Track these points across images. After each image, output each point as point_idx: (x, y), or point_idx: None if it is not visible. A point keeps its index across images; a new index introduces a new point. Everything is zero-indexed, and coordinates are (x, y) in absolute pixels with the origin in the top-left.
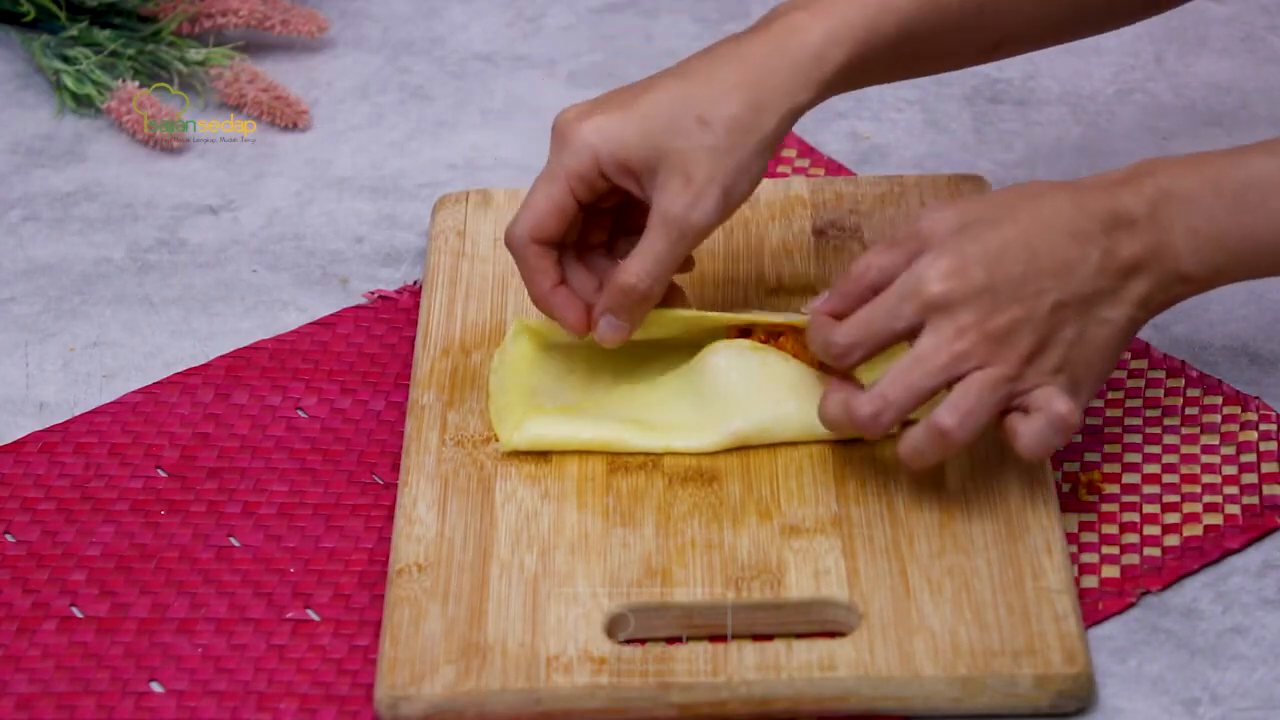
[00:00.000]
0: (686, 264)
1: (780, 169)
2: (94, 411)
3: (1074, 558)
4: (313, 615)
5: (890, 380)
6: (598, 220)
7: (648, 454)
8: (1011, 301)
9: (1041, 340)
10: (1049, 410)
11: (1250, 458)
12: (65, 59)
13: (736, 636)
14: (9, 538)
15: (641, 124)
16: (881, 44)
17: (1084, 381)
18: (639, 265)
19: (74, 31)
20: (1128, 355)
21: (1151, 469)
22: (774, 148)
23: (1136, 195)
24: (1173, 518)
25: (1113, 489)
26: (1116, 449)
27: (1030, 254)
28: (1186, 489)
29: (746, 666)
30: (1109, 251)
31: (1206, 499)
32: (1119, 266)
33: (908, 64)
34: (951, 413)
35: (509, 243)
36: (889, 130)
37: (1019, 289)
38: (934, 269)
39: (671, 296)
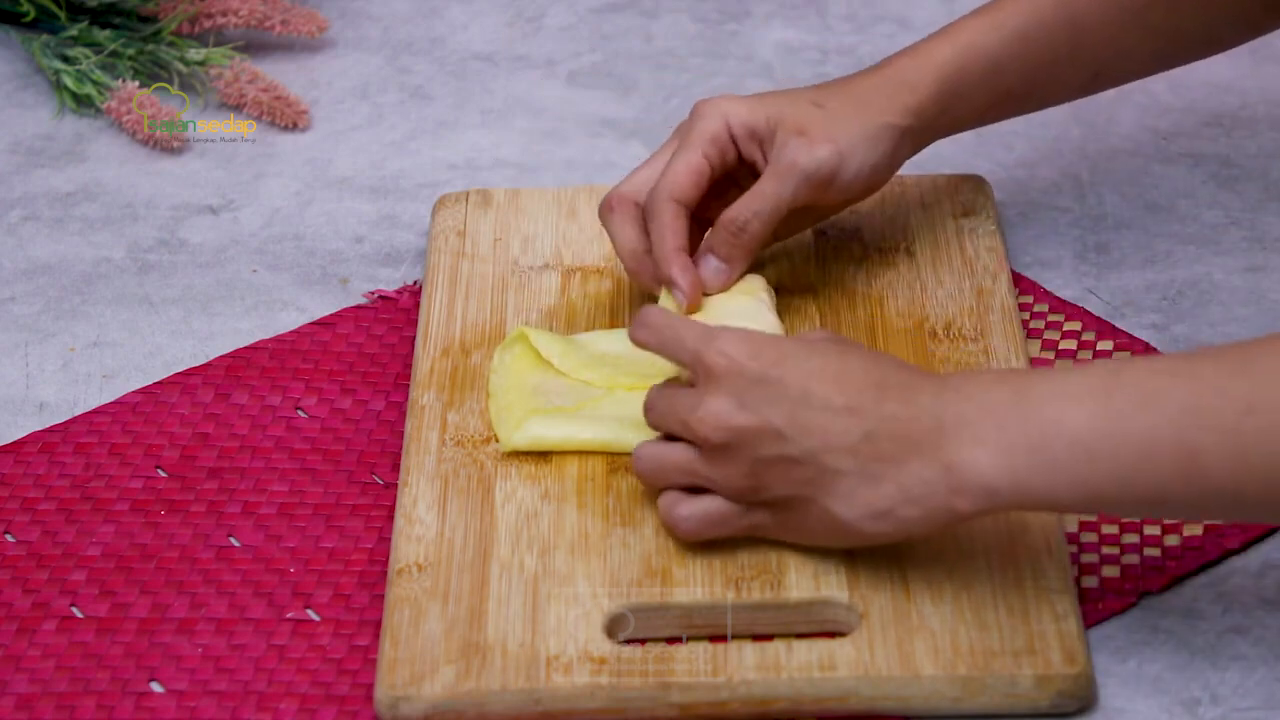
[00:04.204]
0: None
1: None
2: (94, 411)
3: (1074, 558)
4: (313, 615)
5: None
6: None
7: None
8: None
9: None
10: (673, 505)
11: None
12: (65, 59)
13: (736, 636)
14: (9, 538)
15: (765, 101)
16: (973, 75)
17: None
18: (747, 203)
19: (74, 31)
20: (1128, 355)
21: None
22: (882, 151)
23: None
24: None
25: None
26: None
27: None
28: None
29: (746, 666)
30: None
31: None
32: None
33: (1003, 99)
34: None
35: (649, 203)
36: None
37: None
38: (713, 411)
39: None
